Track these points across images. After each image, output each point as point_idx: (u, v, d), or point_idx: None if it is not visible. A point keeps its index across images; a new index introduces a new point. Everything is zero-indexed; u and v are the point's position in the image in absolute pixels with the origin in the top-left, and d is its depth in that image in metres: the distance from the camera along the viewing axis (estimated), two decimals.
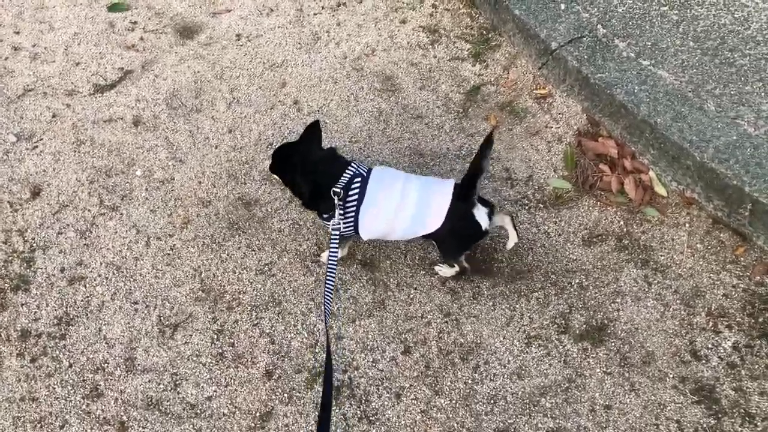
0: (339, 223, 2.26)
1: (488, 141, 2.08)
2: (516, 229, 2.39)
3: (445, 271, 2.56)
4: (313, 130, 2.35)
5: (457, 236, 2.31)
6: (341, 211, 2.25)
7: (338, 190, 2.24)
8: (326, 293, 2.16)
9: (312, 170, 2.32)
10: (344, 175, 2.28)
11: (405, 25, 3.43)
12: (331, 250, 2.25)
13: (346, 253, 2.61)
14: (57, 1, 3.70)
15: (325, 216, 2.34)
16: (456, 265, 2.48)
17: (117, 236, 2.74)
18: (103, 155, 2.99)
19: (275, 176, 2.49)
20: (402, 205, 2.23)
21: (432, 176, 2.39)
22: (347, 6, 3.56)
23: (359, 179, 2.27)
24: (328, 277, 2.19)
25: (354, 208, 2.26)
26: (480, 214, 2.23)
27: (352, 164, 2.32)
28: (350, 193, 2.26)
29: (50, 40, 3.50)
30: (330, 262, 2.23)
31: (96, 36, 3.51)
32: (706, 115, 2.60)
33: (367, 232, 2.31)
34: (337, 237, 2.25)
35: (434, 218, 2.22)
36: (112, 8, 3.65)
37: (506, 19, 3.19)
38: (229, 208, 2.81)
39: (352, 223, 2.28)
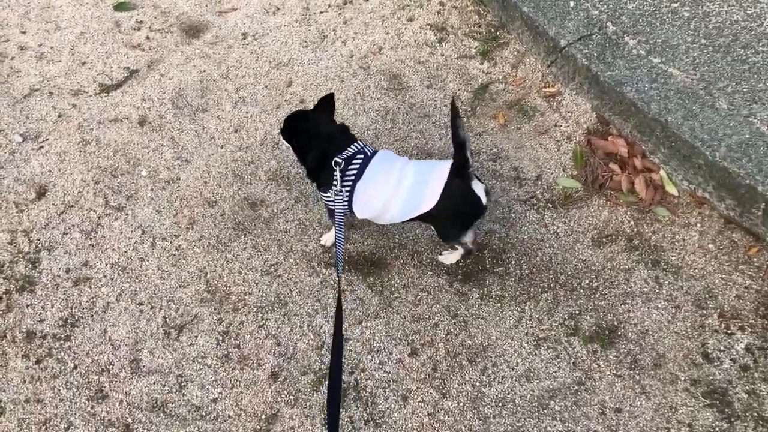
0: (342, 190, 2.25)
1: (454, 111, 2.06)
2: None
3: (448, 257, 2.55)
4: (327, 101, 2.36)
5: (459, 214, 2.28)
6: (336, 182, 2.26)
7: (340, 161, 2.24)
8: (338, 260, 2.16)
9: (321, 139, 2.32)
10: (349, 149, 2.28)
11: (412, 23, 3.40)
12: (337, 219, 2.25)
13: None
14: (63, 0, 3.69)
15: (322, 188, 2.35)
16: (459, 246, 2.46)
17: (122, 237, 2.72)
18: (108, 155, 2.98)
19: (285, 143, 2.48)
20: (398, 187, 2.22)
21: (432, 159, 2.37)
22: (354, 4, 3.54)
23: (362, 156, 2.27)
24: (337, 239, 2.21)
25: (350, 184, 2.26)
26: (479, 189, 2.21)
27: (359, 141, 2.32)
28: (350, 167, 2.26)
29: (56, 40, 3.49)
30: (337, 229, 2.23)
31: (102, 35, 3.50)
32: (718, 114, 2.55)
33: (359, 209, 2.31)
34: (342, 207, 2.25)
35: (428, 198, 2.19)
36: (118, 7, 3.64)
37: (514, 16, 3.16)
38: (235, 209, 2.79)
39: (347, 199, 2.28)
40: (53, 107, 3.18)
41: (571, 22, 2.95)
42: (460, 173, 2.17)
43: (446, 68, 3.19)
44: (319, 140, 2.33)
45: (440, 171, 2.19)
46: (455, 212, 2.26)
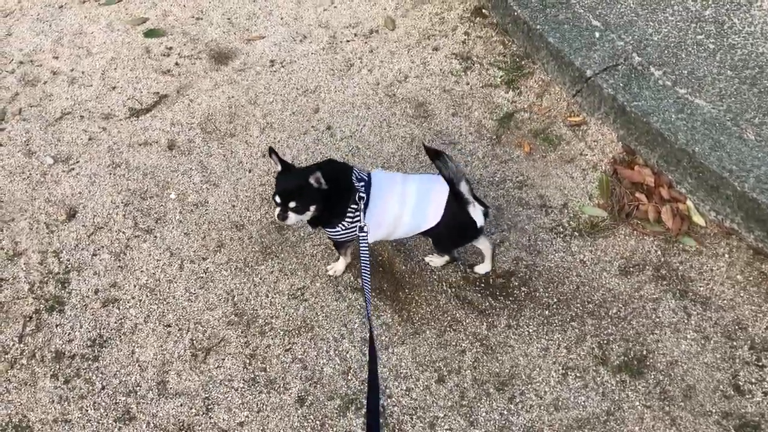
0: (365, 225, 2.25)
1: (433, 155, 2.13)
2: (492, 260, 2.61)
3: (435, 261, 2.64)
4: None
5: (454, 232, 2.37)
6: (350, 216, 2.26)
7: (363, 195, 2.25)
8: (366, 296, 2.19)
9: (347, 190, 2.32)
10: (353, 179, 2.26)
11: (437, 52, 3.45)
12: (362, 254, 2.25)
13: (349, 260, 2.63)
14: (95, 27, 3.78)
15: (330, 224, 2.33)
16: (447, 255, 2.59)
17: (151, 259, 2.75)
18: (138, 178, 3.02)
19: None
20: (403, 207, 2.28)
21: (428, 174, 2.40)
22: (379, 33, 3.59)
23: (362, 184, 2.28)
24: (364, 280, 2.22)
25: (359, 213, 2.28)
26: (476, 211, 2.27)
27: (355, 168, 2.31)
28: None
29: (88, 65, 3.56)
30: (363, 265, 2.23)
31: (132, 61, 3.57)
32: (745, 144, 2.56)
33: (372, 235, 2.33)
34: (366, 240, 2.25)
35: (434, 214, 2.28)
36: (149, 34, 3.72)
37: (540, 46, 3.19)
38: (262, 232, 2.81)
39: (354, 229, 2.29)
40: (84, 130, 3.23)
41: (596, 52, 2.98)
42: (458, 197, 2.23)
43: (471, 97, 3.23)
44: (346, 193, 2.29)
45: (440, 190, 2.26)
46: (450, 232, 2.36)
